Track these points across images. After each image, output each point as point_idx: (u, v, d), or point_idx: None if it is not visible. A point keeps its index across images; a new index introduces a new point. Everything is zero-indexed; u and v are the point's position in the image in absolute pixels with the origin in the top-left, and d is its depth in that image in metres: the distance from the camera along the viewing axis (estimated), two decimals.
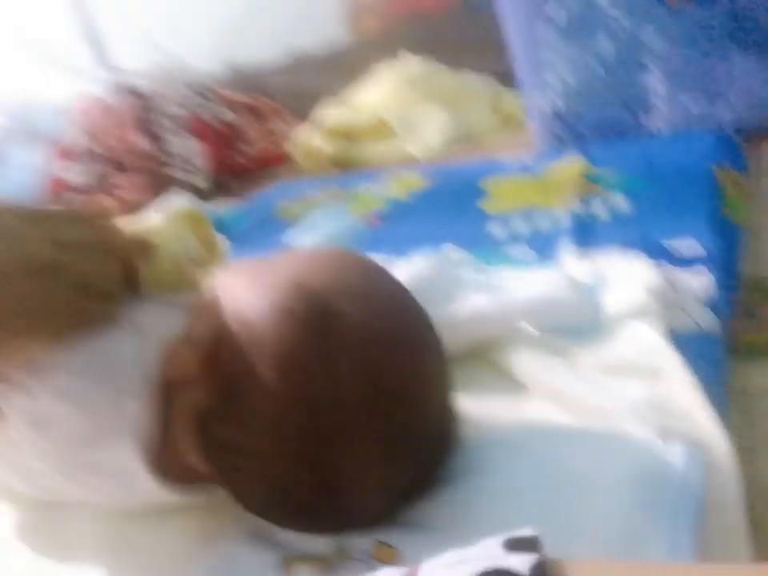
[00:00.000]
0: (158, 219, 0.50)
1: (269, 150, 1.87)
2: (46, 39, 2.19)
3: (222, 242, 0.54)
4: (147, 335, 0.44)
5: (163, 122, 1.75)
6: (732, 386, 0.55)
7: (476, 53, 1.75)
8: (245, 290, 0.45)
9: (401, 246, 0.92)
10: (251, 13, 2.07)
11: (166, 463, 0.42)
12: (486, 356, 0.59)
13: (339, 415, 0.38)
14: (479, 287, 0.63)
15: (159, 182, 1.68)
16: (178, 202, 0.53)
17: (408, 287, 0.62)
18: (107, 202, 1.70)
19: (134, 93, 1.76)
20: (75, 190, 1.77)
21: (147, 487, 0.42)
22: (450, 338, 0.59)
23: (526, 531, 0.27)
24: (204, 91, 1.83)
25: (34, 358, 0.41)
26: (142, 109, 1.74)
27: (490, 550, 0.27)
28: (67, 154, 1.84)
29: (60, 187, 1.77)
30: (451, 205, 1.08)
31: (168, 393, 0.42)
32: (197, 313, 0.46)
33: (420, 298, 0.61)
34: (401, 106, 1.67)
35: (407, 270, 0.65)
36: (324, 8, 2.07)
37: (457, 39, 1.83)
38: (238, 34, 2.12)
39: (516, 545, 0.27)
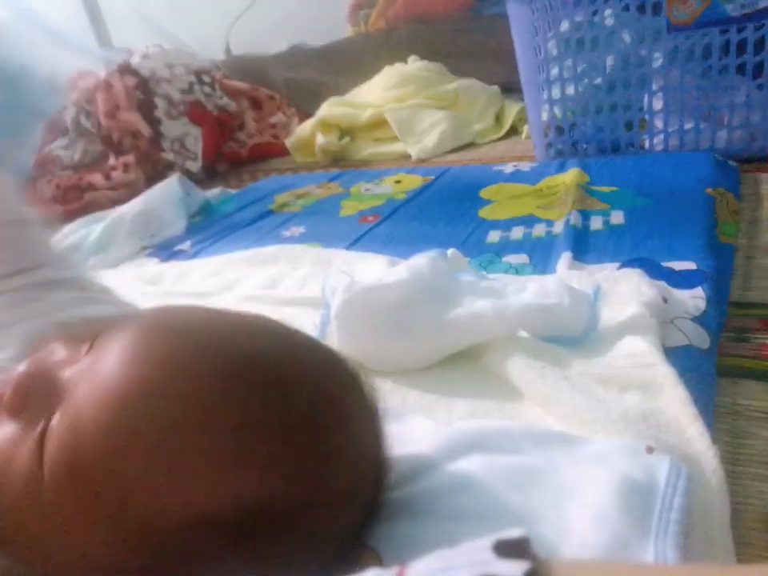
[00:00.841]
0: None
1: (266, 140, 1.86)
2: (46, 12, 2.16)
3: None
4: None
5: (161, 104, 1.72)
6: (719, 405, 0.55)
7: (482, 61, 1.75)
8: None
9: (396, 245, 0.91)
10: (258, 3, 2.06)
11: None
12: (482, 360, 0.58)
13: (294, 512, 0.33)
14: (478, 291, 0.62)
15: (153, 164, 1.66)
16: None
17: (408, 285, 0.61)
18: (97, 180, 1.66)
19: (134, 73, 1.73)
20: (64, 166, 1.74)
21: None
22: (447, 340, 0.59)
23: (515, 532, 0.26)
24: (205, 77, 1.81)
25: None
26: (141, 90, 1.72)
27: (478, 555, 0.26)
28: (58, 129, 1.81)
29: (48, 162, 1.74)
30: (449, 208, 1.07)
31: None
32: None
33: (419, 297, 0.60)
34: (401, 107, 1.67)
35: (408, 267, 0.64)
36: (331, 4, 2.06)
37: (463, 46, 1.83)
38: (243, 23, 2.11)
39: (506, 549, 0.26)
